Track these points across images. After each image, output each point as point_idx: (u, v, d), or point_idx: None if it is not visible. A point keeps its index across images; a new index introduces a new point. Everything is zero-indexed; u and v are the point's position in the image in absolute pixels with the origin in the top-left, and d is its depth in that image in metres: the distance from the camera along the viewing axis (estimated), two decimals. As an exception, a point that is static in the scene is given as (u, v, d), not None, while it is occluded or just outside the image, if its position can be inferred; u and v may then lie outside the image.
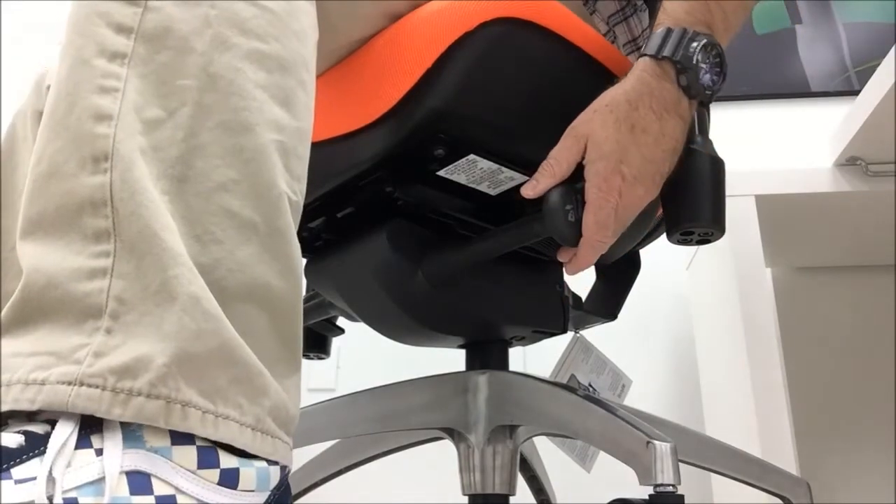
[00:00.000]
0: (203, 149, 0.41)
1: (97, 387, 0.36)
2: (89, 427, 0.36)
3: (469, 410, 0.73)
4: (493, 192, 0.69)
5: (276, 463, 0.41)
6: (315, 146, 0.66)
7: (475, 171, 0.66)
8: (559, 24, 0.64)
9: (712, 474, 1.39)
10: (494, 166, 0.65)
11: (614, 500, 0.59)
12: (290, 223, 0.44)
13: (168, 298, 0.37)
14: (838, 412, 1.53)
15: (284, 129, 0.44)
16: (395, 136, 0.62)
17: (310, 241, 0.77)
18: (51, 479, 0.34)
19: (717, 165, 0.62)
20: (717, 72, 0.59)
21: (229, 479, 0.38)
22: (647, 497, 0.56)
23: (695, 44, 0.57)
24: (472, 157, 0.64)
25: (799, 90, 1.85)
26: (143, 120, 0.40)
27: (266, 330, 0.42)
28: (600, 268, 0.93)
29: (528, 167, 0.63)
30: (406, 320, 0.70)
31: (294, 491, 0.96)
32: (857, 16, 1.91)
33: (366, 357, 1.56)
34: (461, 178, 0.66)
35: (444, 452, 0.89)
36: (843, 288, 1.60)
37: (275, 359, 0.42)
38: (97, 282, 0.37)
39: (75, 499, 0.34)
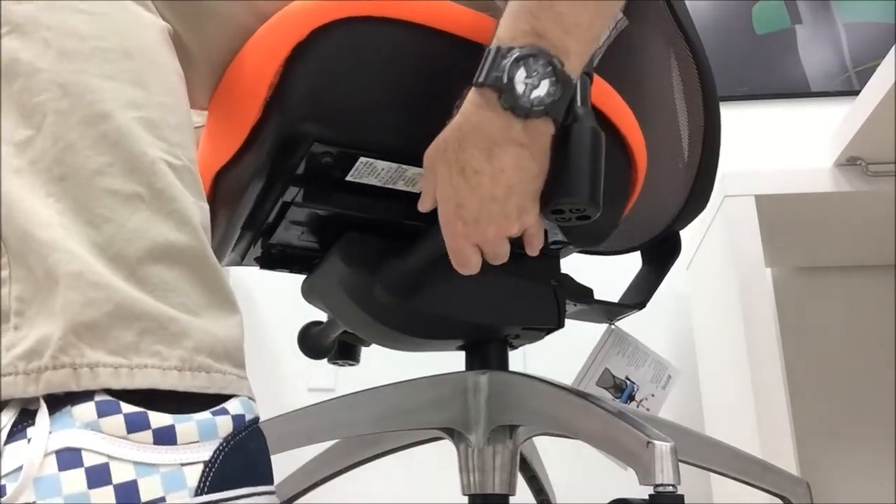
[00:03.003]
0: (72, 146, 0.45)
1: (10, 374, 0.42)
2: (25, 421, 0.41)
3: (469, 410, 0.73)
4: (415, 189, 0.66)
5: (224, 413, 0.45)
6: (223, 171, 0.67)
7: (379, 173, 0.64)
8: (410, 12, 0.61)
9: (712, 474, 1.39)
10: (394, 165, 0.63)
11: (614, 501, 0.59)
12: (173, 182, 0.48)
13: (53, 283, 0.43)
14: (838, 412, 1.53)
15: (143, 105, 0.48)
16: (265, 153, 0.61)
17: (308, 260, 0.77)
18: None
19: (596, 138, 0.56)
20: (553, 81, 0.53)
21: (166, 437, 0.42)
22: (647, 497, 0.56)
23: (506, 60, 0.53)
24: (363, 159, 0.62)
25: (799, 90, 1.85)
26: (16, 143, 0.46)
27: (183, 281, 0.46)
28: (643, 253, 0.93)
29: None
30: (384, 329, 0.70)
31: (294, 491, 0.96)
32: (857, 16, 1.91)
33: (366, 357, 1.56)
34: (373, 181, 0.65)
35: (444, 452, 0.89)
36: (843, 288, 1.61)
37: (202, 304, 0.47)
38: (2, 291, 0.44)
39: (3, 486, 0.39)
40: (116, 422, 0.41)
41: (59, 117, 0.46)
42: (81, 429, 0.41)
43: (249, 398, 0.47)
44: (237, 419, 0.45)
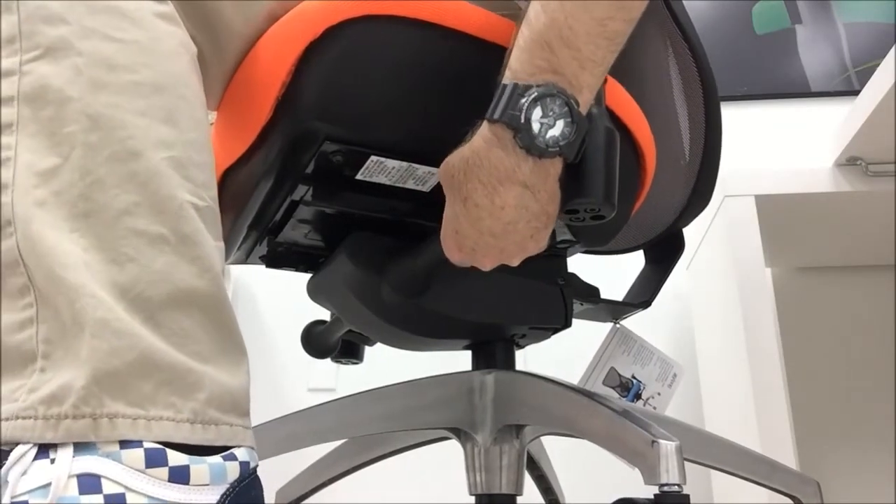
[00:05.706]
0: (100, 183, 0.45)
1: (29, 417, 0.42)
2: (48, 445, 0.42)
3: (476, 410, 0.73)
4: (424, 188, 0.66)
5: (233, 459, 0.46)
6: (230, 170, 0.67)
7: (389, 171, 0.63)
8: (423, 11, 0.61)
9: (713, 474, 1.40)
10: (404, 164, 0.63)
11: (619, 500, 0.59)
12: (199, 228, 0.48)
13: (79, 329, 0.43)
14: (838, 412, 1.53)
15: (173, 144, 0.48)
16: (276, 151, 0.61)
17: (313, 259, 0.77)
18: (6, 485, 0.40)
19: (610, 137, 0.56)
20: (568, 122, 0.52)
21: (180, 476, 0.43)
22: (652, 497, 0.56)
23: (524, 99, 0.51)
24: (374, 158, 0.61)
25: (799, 90, 1.85)
26: (39, 173, 0.45)
27: (199, 328, 0.46)
28: (646, 252, 0.93)
29: (438, 161, 0.60)
30: (391, 329, 0.70)
31: (301, 491, 0.96)
32: (857, 16, 1.91)
33: (366, 357, 1.56)
34: (382, 179, 0.64)
35: (450, 452, 0.89)
36: (843, 288, 1.61)
37: (215, 352, 0.47)
38: (27, 331, 0.44)
39: (26, 501, 0.40)
40: (136, 455, 0.42)
41: (88, 151, 0.45)
42: (103, 457, 0.42)
43: (252, 447, 0.49)
44: (243, 466, 0.46)
